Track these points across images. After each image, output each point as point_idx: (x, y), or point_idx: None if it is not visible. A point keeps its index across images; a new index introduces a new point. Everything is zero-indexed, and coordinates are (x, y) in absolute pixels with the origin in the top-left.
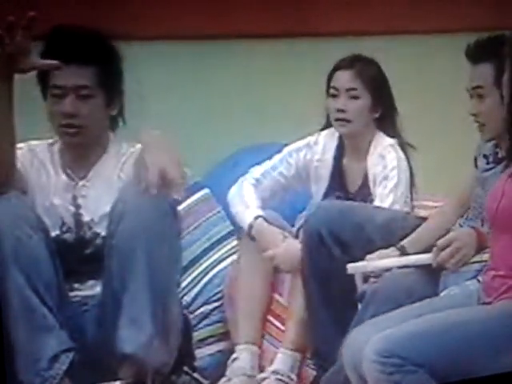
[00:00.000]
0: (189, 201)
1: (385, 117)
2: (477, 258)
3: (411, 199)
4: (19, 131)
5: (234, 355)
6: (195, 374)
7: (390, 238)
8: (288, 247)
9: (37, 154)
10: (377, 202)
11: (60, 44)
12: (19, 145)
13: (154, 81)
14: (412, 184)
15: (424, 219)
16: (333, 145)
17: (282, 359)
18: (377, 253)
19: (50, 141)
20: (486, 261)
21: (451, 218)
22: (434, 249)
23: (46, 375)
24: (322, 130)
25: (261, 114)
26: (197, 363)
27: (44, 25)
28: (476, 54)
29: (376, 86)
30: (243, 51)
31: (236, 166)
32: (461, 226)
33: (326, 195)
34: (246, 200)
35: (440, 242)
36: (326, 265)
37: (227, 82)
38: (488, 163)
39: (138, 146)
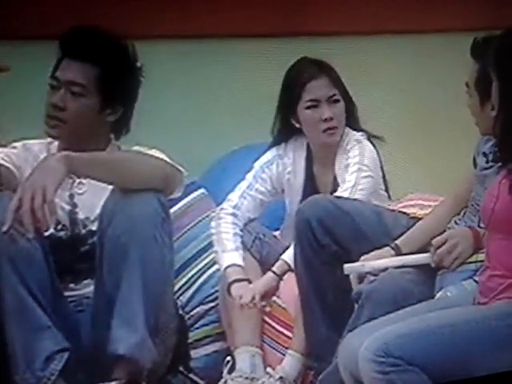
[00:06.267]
0: (185, 200)
1: (348, 112)
2: (473, 258)
3: (388, 196)
4: (19, 131)
5: (229, 358)
6: (191, 375)
7: (382, 233)
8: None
9: (33, 152)
10: (340, 188)
11: (71, 41)
12: (14, 143)
13: (150, 81)
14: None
15: (419, 218)
16: (302, 155)
17: (290, 362)
18: (372, 253)
19: (49, 140)
20: (482, 261)
21: (446, 217)
22: (431, 248)
23: (40, 375)
24: (275, 144)
25: (259, 114)
26: (193, 363)
27: (51, 24)
28: (472, 52)
29: (343, 86)
30: (242, 51)
31: (233, 165)
32: (456, 223)
33: None
34: (223, 240)
35: (436, 240)
36: (316, 256)
37: (225, 82)
38: (487, 162)
39: (136, 148)
